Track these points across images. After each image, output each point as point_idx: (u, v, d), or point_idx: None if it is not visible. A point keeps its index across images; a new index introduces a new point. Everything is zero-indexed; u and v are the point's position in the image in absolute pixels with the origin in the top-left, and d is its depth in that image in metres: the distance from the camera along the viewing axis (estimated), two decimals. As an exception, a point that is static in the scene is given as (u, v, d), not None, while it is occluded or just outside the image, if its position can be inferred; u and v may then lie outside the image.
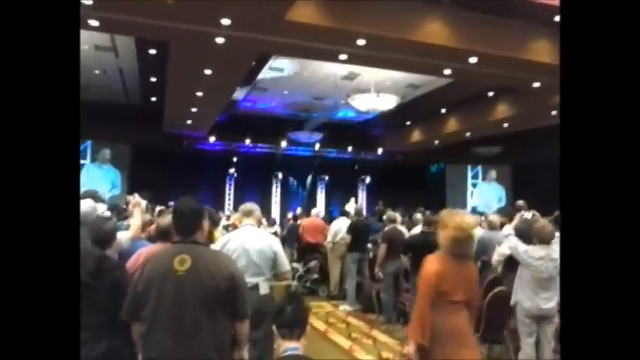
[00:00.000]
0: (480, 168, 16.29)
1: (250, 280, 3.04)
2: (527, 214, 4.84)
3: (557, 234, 3.97)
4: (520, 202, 5.24)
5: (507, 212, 5.47)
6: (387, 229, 6.08)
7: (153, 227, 3.96)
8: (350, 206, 8.57)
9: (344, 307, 6.67)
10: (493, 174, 15.89)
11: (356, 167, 15.34)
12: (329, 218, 9.67)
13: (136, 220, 3.19)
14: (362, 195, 16.17)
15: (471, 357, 2.52)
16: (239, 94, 10.94)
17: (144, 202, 3.40)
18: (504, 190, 15.66)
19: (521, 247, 3.67)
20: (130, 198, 3.27)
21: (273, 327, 1.88)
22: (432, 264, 2.57)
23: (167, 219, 2.60)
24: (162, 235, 2.79)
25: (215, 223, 4.82)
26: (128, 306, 2.00)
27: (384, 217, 7.05)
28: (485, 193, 15.89)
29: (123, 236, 3.04)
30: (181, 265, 1.93)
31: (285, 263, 3.35)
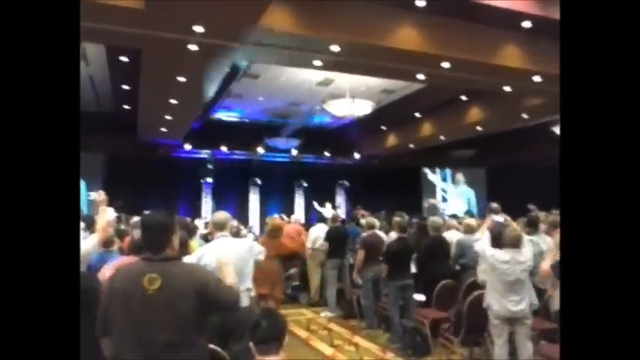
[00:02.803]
0: (448, 171, 16.49)
1: None
2: (499, 218, 4.90)
3: (527, 237, 4.05)
4: (494, 205, 5.30)
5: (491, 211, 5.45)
6: (365, 234, 6.09)
7: (127, 240, 3.84)
8: (325, 211, 8.54)
9: (325, 314, 6.64)
10: (461, 177, 16.07)
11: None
12: (308, 224, 9.64)
13: (101, 220, 2.91)
14: (341, 200, 16.20)
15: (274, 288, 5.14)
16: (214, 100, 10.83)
17: (113, 215, 3.20)
18: (473, 193, 15.87)
19: (489, 251, 3.73)
20: (94, 195, 2.96)
21: (250, 343, 1.85)
22: (262, 240, 5.44)
23: (139, 233, 2.50)
24: (136, 249, 2.69)
25: (191, 233, 4.74)
26: (98, 322, 1.94)
27: (363, 222, 7.06)
28: (453, 197, 16.06)
29: (89, 244, 2.83)
30: (151, 284, 1.86)
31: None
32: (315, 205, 8.31)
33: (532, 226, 4.80)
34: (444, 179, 16.62)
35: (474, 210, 13.08)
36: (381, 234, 6.25)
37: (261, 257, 3.56)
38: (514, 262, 3.61)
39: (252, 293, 3.25)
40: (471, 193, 15.87)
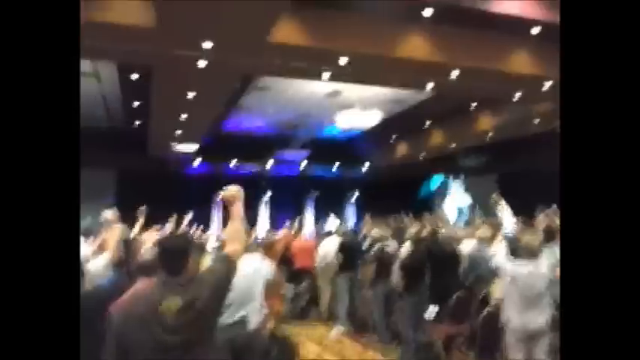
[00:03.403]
0: (461, 179, 16.28)
1: (236, 314, 2.91)
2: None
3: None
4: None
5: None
6: (376, 248, 6.02)
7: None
8: (333, 224, 8.48)
9: (337, 329, 6.55)
10: (457, 185, 15.88)
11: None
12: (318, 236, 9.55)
13: (111, 240, 2.92)
14: (351, 211, 16.12)
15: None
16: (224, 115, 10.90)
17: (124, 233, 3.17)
18: (470, 198, 15.49)
19: (509, 266, 3.58)
20: (107, 214, 3.00)
21: None
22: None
23: (149, 253, 2.47)
24: (144, 270, 2.64)
25: (203, 250, 4.71)
26: (110, 349, 1.87)
27: (374, 234, 6.97)
28: (451, 203, 15.77)
29: (100, 264, 2.78)
30: (170, 308, 1.83)
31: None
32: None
33: (548, 234, 4.67)
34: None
35: (466, 217, 12.82)
36: (392, 244, 6.17)
37: (270, 277, 3.47)
38: (535, 275, 3.47)
39: (265, 311, 3.19)
40: (467, 199, 15.59)
